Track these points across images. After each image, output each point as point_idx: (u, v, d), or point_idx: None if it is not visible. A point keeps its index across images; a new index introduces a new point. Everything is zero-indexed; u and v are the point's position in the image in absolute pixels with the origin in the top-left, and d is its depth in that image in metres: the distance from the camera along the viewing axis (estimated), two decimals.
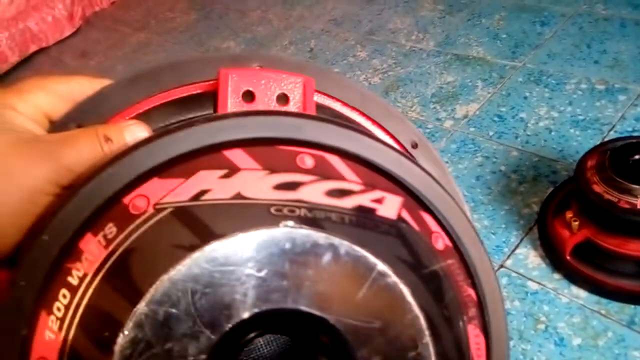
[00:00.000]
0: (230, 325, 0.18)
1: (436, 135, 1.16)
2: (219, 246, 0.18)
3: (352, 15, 1.68)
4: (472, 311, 0.20)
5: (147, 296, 0.17)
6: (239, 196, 0.18)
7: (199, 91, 0.24)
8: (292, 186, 0.19)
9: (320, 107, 0.26)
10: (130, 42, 2.06)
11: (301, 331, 0.19)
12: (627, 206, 0.75)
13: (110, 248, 0.17)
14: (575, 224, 0.83)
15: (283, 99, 0.23)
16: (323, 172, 0.19)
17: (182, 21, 2.06)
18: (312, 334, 0.19)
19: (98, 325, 0.17)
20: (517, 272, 0.88)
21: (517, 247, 0.91)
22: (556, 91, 1.15)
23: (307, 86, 0.23)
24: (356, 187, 0.19)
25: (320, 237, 0.18)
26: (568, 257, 0.84)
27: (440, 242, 0.20)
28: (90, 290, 0.17)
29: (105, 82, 0.25)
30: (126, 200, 0.18)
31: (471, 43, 1.37)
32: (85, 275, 0.17)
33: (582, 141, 1.03)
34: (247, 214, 0.18)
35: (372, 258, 0.18)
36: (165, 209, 0.18)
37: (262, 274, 0.18)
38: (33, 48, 2.19)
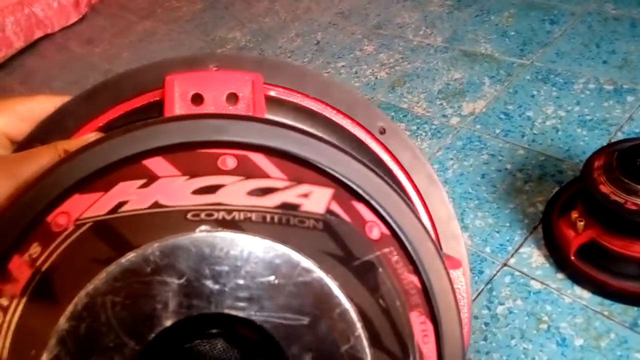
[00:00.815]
0: (153, 335, 0.18)
1: (442, 132, 1.15)
2: (135, 257, 0.18)
3: (359, 9, 1.66)
4: (415, 298, 0.20)
5: (67, 312, 0.17)
6: (156, 205, 0.18)
7: (155, 99, 0.24)
8: (211, 189, 0.19)
9: (278, 101, 0.25)
10: (136, 30, 2.05)
11: (230, 335, 0.19)
12: (633, 207, 0.74)
13: (35, 267, 0.18)
14: (581, 224, 0.82)
15: (232, 98, 0.23)
16: (246, 171, 0.19)
17: (188, 10, 2.05)
18: (242, 337, 0.19)
19: (26, 344, 0.17)
20: (521, 271, 0.87)
21: (521, 246, 0.91)
22: (564, 90, 1.14)
23: (255, 83, 0.23)
24: (281, 184, 0.19)
25: (239, 238, 0.18)
26: (572, 258, 0.83)
27: (376, 230, 0.20)
28: (19, 311, 0.17)
29: (65, 99, 0.25)
30: (49, 218, 0.18)
31: (479, 39, 1.36)
32: (13, 295, 0.18)
33: (589, 141, 1.02)
34: (163, 222, 0.18)
35: (295, 255, 0.18)
36: (84, 224, 0.18)
37: (182, 280, 0.18)
38: (38, 34, 2.18)
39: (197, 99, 0.23)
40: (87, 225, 0.18)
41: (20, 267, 0.18)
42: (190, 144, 0.19)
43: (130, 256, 0.18)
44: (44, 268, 0.18)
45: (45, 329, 0.17)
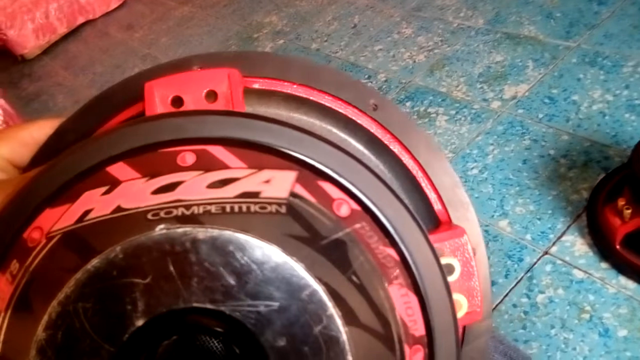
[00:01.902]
0: (127, 336, 0.18)
1: (482, 116, 1.13)
2: (99, 262, 0.18)
3: None
4: (394, 271, 0.19)
5: (43, 322, 0.18)
6: (118, 209, 0.19)
7: (141, 109, 0.24)
8: (170, 187, 0.19)
9: (264, 92, 0.25)
10: (174, 15, 2.07)
11: (203, 328, 0.19)
12: None
13: (15, 283, 0.19)
14: (628, 212, 0.79)
15: (212, 95, 0.23)
16: (205, 165, 0.19)
17: None
18: (214, 329, 0.19)
19: (11, 358, 0.18)
20: (563, 260, 0.85)
21: (563, 234, 0.88)
22: (612, 74, 1.10)
23: (231, 77, 0.23)
24: (241, 173, 0.19)
25: (199, 232, 0.18)
26: (618, 247, 0.81)
27: (345, 207, 0.19)
28: (4, 326, 0.18)
29: (62, 119, 0.26)
30: (25, 235, 0.19)
31: (523, 21, 1.32)
32: (0, 312, 0.19)
33: (637, 126, 0.98)
34: (125, 225, 0.18)
35: (257, 242, 0.18)
36: (54, 236, 0.19)
37: (148, 280, 0.18)
38: (80, 20, 2.24)
39: (177, 101, 0.23)
40: (57, 237, 0.19)
41: (3, 285, 0.19)
42: (149, 145, 0.19)
43: (95, 262, 0.18)
44: (22, 283, 0.19)
45: (25, 341, 0.18)
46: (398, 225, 0.20)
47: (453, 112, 1.17)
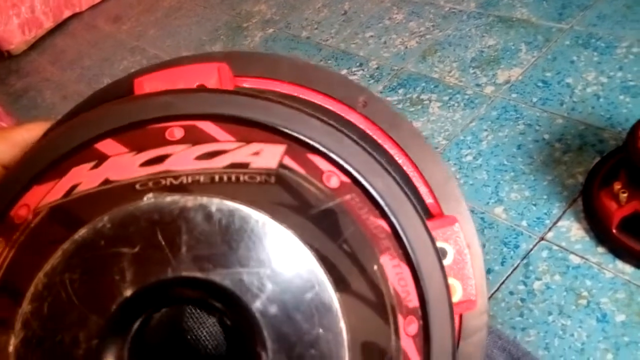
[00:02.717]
0: (114, 306, 0.18)
1: (475, 101, 1.11)
2: (87, 232, 0.18)
3: None
4: (385, 242, 0.20)
5: (28, 295, 0.18)
6: (106, 181, 0.19)
7: None
8: (159, 160, 0.19)
9: (254, 91, 0.25)
10: (162, 6, 2.04)
11: (193, 299, 0.19)
12: None
13: (1, 261, 0.18)
14: (624, 195, 0.78)
15: (203, 88, 0.23)
16: (194, 139, 0.19)
17: None
18: (205, 298, 0.19)
19: None
20: (559, 245, 0.84)
21: (559, 219, 0.87)
22: (606, 55, 1.08)
23: (221, 71, 0.23)
24: (229, 146, 0.19)
25: (187, 200, 0.18)
26: (614, 231, 0.80)
27: (334, 179, 0.20)
28: None
29: (51, 122, 0.26)
30: (12, 212, 0.19)
31: (515, 4, 1.30)
32: None
33: (632, 108, 0.97)
34: (113, 197, 0.18)
35: (246, 209, 0.18)
36: (41, 211, 0.19)
37: (136, 249, 0.18)
38: (67, 13, 2.20)
39: None
40: (44, 212, 0.19)
41: None
42: (138, 122, 0.20)
43: (82, 232, 0.18)
44: (8, 259, 0.18)
45: (11, 314, 0.18)
46: (387, 196, 0.20)
47: (446, 98, 1.15)
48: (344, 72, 1.34)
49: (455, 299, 0.22)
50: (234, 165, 0.19)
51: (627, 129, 0.78)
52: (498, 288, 0.84)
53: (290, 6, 1.68)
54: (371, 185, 0.20)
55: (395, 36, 1.37)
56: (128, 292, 0.17)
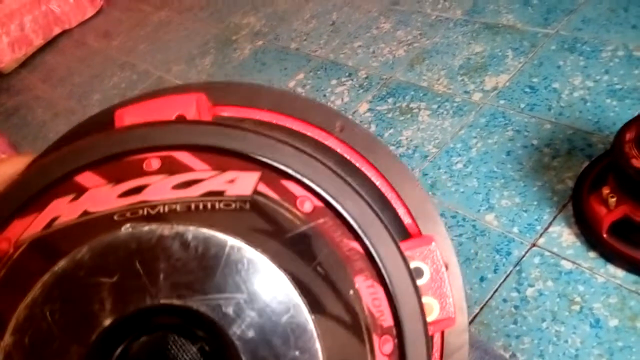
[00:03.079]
0: (95, 336, 0.18)
1: (464, 109, 1.12)
2: (66, 263, 0.18)
3: None
4: (359, 264, 0.20)
5: (10, 327, 0.18)
6: (85, 213, 0.19)
7: None
8: (136, 190, 0.19)
9: (233, 119, 0.26)
10: (151, 21, 2.05)
11: (172, 326, 0.19)
12: None
13: None
14: (613, 200, 0.79)
15: (181, 119, 0.24)
16: (170, 169, 0.20)
17: None
18: (184, 325, 0.19)
19: None
20: (551, 251, 0.85)
21: (550, 225, 0.88)
22: (591, 59, 1.09)
23: (199, 101, 0.24)
24: (205, 175, 0.20)
25: (164, 229, 0.19)
26: (605, 235, 0.80)
27: (308, 204, 0.20)
28: None
29: (34, 156, 0.27)
30: None
31: (501, 10, 1.31)
32: None
33: (619, 112, 0.98)
34: (92, 228, 0.19)
35: (222, 236, 0.19)
36: (22, 244, 0.19)
37: (115, 279, 0.18)
38: (56, 31, 2.20)
39: None
40: (24, 245, 0.19)
41: None
42: (116, 154, 0.20)
43: (62, 263, 0.18)
44: None
45: None
46: (359, 219, 0.20)
47: (435, 106, 1.16)
48: (333, 82, 1.34)
49: (433, 317, 0.23)
50: (209, 194, 0.19)
51: (615, 133, 0.79)
52: (492, 296, 0.84)
53: (278, 18, 1.69)
54: (343, 208, 0.20)
55: (383, 45, 1.38)
56: (107, 321, 0.18)
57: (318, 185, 0.20)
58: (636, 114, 0.94)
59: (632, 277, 0.78)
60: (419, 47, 1.32)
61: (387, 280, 0.20)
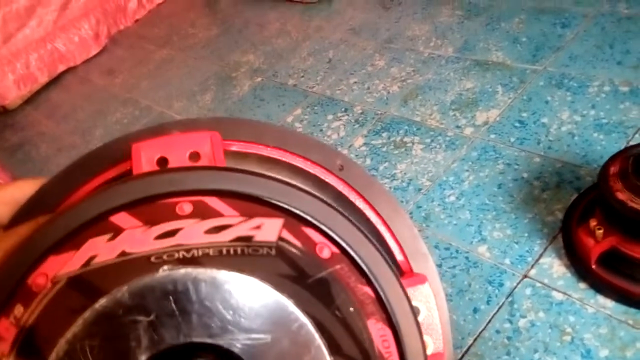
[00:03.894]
0: None
1: (456, 143, 1.15)
2: (107, 301, 0.20)
3: (370, 24, 1.68)
4: (370, 307, 0.22)
5: None
6: (123, 254, 0.20)
7: (125, 169, 0.26)
8: (171, 233, 0.21)
9: (241, 154, 0.28)
10: (154, 58, 2.10)
11: None
12: None
13: (19, 326, 0.20)
14: (600, 232, 0.81)
15: (195, 156, 0.25)
16: (202, 214, 0.21)
17: (203, 36, 2.09)
18: None
19: None
20: (542, 282, 0.86)
21: (541, 256, 0.89)
22: (578, 94, 1.13)
23: (213, 139, 0.25)
24: (234, 220, 0.21)
25: (199, 272, 0.20)
26: (593, 266, 0.82)
27: (326, 250, 0.22)
28: None
29: (43, 180, 0.27)
30: (29, 280, 0.20)
31: (490, 48, 1.35)
32: (3, 354, 0.20)
33: (606, 145, 1.01)
34: (130, 268, 0.20)
35: (252, 280, 0.20)
36: (60, 281, 0.20)
37: (151, 317, 0.20)
38: (61, 68, 2.26)
39: (163, 162, 0.25)
40: (63, 282, 0.20)
41: (6, 328, 0.20)
42: (149, 197, 0.21)
43: (102, 301, 0.19)
44: (27, 325, 0.20)
45: None
46: (372, 266, 0.22)
47: (428, 140, 1.19)
48: (329, 117, 1.38)
49: (428, 352, 0.24)
50: (239, 239, 0.21)
51: (602, 166, 0.81)
52: (485, 327, 0.85)
53: (277, 55, 1.74)
54: (358, 255, 0.22)
55: (377, 82, 1.42)
56: (143, 357, 0.19)
57: (336, 233, 0.22)
58: (622, 146, 0.97)
59: (622, 308, 0.79)
60: (413, 83, 1.36)
61: (396, 324, 0.22)
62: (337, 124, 1.35)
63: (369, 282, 0.22)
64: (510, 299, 0.86)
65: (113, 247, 0.20)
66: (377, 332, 0.21)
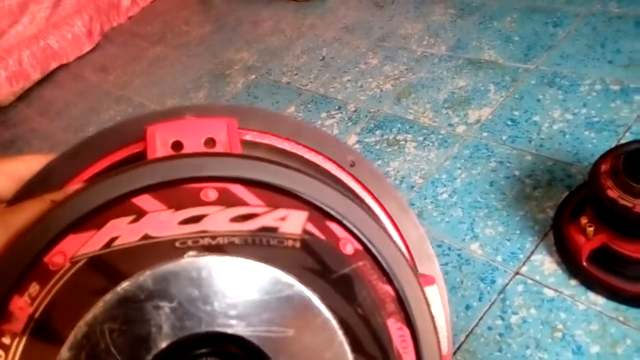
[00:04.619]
0: (150, 357, 0.19)
1: (449, 141, 1.15)
2: (130, 285, 0.19)
3: (363, 22, 1.68)
4: (391, 306, 0.21)
5: (68, 342, 0.19)
6: (146, 237, 0.20)
7: (137, 150, 0.25)
8: (196, 219, 0.20)
9: (254, 143, 0.27)
10: (147, 56, 2.10)
11: (222, 351, 0.21)
12: None
13: (35, 305, 0.19)
14: (591, 229, 0.81)
15: (210, 142, 0.25)
16: (227, 201, 0.21)
17: (197, 34, 2.09)
18: (233, 353, 0.20)
19: None
20: (533, 279, 0.87)
21: (532, 253, 0.90)
22: (570, 93, 1.13)
23: (230, 127, 0.25)
24: (259, 210, 0.21)
25: (223, 260, 0.20)
26: (584, 263, 0.83)
27: (349, 246, 0.21)
28: (21, 348, 0.19)
29: (50, 157, 0.26)
30: (46, 259, 0.20)
31: (483, 46, 1.36)
32: (15, 334, 0.19)
33: (597, 143, 1.01)
34: (154, 252, 0.20)
35: (276, 272, 0.20)
36: (80, 260, 0.20)
37: (174, 304, 0.19)
38: (54, 65, 2.25)
39: (177, 146, 0.24)
40: (83, 261, 0.20)
41: (20, 307, 0.19)
42: (173, 181, 0.21)
43: (125, 284, 0.19)
44: (43, 305, 0.19)
45: None
46: (393, 265, 0.22)
47: (421, 138, 1.19)
48: (323, 115, 1.38)
49: None
50: (264, 229, 0.21)
51: (593, 164, 0.82)
52: (477, 324, 0.85)
53: (270, 53, 1.74)
54: (380, 253, 0.22)
55: (371, 80, 1.43)
56: (163, 344, 0.19)
57: (359, 230, 0.22)
58: (613, 144, 0.98)
59: (612, 305, 0.80)
60: (405, 81, 1.37)
61: (415, 325, 0.22)
62: (331, 122, 1.35)
63: (390, 281, 0.22)
64: (502, 295, 0.87)
65: (136, 230, 0.20)
66: (397, 331, 0.21)
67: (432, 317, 0.22)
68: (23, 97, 2.19)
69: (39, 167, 0.26)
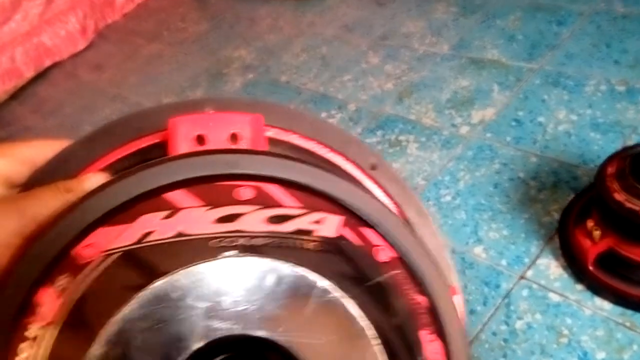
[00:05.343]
0: (182, 358, 0.19)
1: (452, 142, 1.14)
2: (164, 283, 0.19)
3: (364, 21, 1.66)
4: (424, 317, 0.21)
5: (99, 338, 0.18)
6: (180, 234, 0.20)
7: (156, 141, 0.25)
8: (231, 218, 0.20)
9: (276, 141, 0.27)
10: (142, 53, 2.07)
11: (256, 355, 0.20)
12: None
13: (64, 298, 0.19)
14: (597, 233, 0.80)
15: (233, 138, 0.24)
16: (263, 201, 0.21)
17: (193, 31, 2.06)
18: (267, 357, 0.20)
19: None
20: (539, 284, 0.85)
21: (537, 257, 0.88)
22: (575, 93, 1.12)
23: (255, 123, 0.24)
24: (295, 212, 0.21)
25: (260, 262, 0.19)
26: (590, 268, 0.81)
27: (384, 254, 0.21)
28: (50, 340, 0.18)
29: (64, 143, 0.26)
30: (75, 251, 0.19)
31: (486, 45, 1.34)
32: (42, 327, 0.18)
33: (603, 145, 1.00)
34: (188, 250, 0.19)
35: (313, 276, 0.20)
36: (112, 254, 0.19)
37: (208, 304, 0.19)
38: (47, 62, 2.22)
39: (200, 139, 0.24)
40: (115, 256, 0.19)
41: (49, 299, 0.19)
42: (207, 177, 0.20)
43: (159, 282, 0.19)
44: (74, 298, 0.19)
45: (78, 356, 0.18)
46: (427, 275, 0.21)
47: (423, 139, 1.17)
48: (323, 114, 1.36)
49: None
50: (299, 232, 0.20)
51: (599, 165, 0.80)
52: (481, 329, 0.84)
53: (269, 51, 1.72)
54: (414, 263, 0.21)
55: (372, 79, 1.41)
56: (196, 345, 0.19)
57: (395, 238, 0.21)
58: (619, 146, 0.97)
59: (619, 310, 0.78)
60: (407, 81, 1.35)
61: (448, 337, 0.21)
62: (331, 122, 1.33)
63: (424, 292, 0.21)
64: (506, 300, 0.85)
65: (170, 226, 0.19)
66: (429, 344, 0.21)
67: (463, 330, 0.22)
68: (16, 95, 2.16)
69: (52, 152, 0.25)
